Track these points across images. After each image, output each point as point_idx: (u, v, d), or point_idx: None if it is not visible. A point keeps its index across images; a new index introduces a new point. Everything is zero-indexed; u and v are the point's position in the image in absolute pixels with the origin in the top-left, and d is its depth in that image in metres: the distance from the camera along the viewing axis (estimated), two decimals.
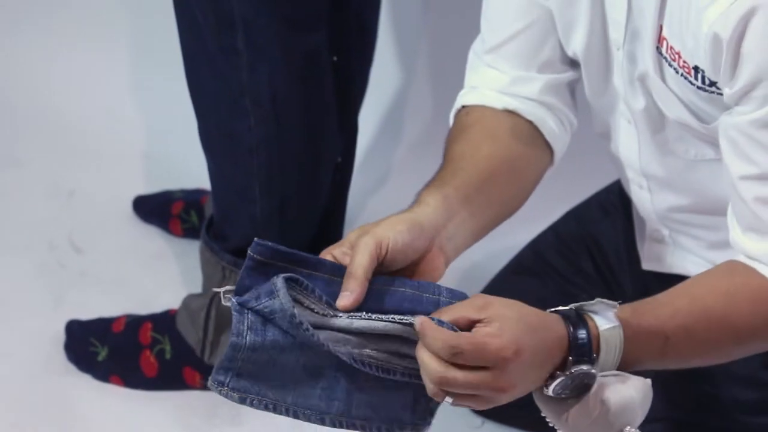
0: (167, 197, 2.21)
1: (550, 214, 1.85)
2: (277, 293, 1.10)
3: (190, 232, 2.15)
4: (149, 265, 2.12)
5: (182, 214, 2.17)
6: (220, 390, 1.12)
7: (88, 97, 2.44)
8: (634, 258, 1.64)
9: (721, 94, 1.23)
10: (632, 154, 1.47)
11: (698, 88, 1.27)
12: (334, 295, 1.13)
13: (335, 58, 1.79)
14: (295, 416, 1.13)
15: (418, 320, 1.11)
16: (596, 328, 1.14)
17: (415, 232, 1.19)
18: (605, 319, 1.15)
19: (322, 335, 1.11)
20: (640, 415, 1.15)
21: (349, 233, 1.20)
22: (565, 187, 1.85)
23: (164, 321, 1.90)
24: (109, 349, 1.89)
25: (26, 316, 1.99)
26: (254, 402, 1.13)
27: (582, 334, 1.13)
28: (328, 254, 1.18)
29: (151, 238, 2.18)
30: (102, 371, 1.89)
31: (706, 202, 1.30)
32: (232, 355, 1.11)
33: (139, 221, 2.21)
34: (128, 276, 2.09)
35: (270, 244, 1.13)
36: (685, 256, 1.53)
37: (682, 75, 1.27)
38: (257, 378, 1.12)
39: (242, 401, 1.12)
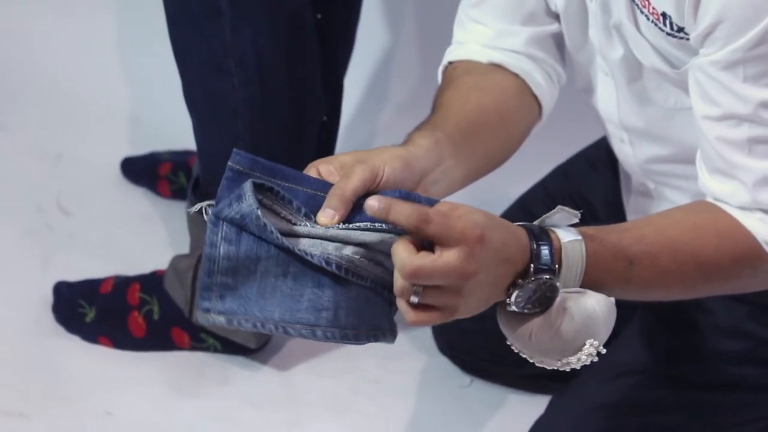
0: (155, 159, 2.21)
1: (540, 170, 1.86)
2: (245, 195, 1.08)
3: (178, 194, 2.15)
4: (137, 227, 2.12)
5: (170, 175, 2.17)
6: (207, 317, 1.09)
7: (75, 60, 2.43)
8: (620, 212, 1.65)
9: (689, 39, 1.25)
10: (611, 107, 1.48)
11: (668, 34, 1.28)
12: (315, 208, 1.12)
13: (319, 16, 1.79)
14: (285, 332, 1.10)
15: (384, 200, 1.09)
16: (558, 240, 1.15)
17: (407, 172, 1.20)
18: (568, 232, 1.16)
19: (294, 241, 1.09)
20: (604, 332, 1.15)
21: (341, 154, 1.19)
22: (555, 142, 1.85)
23: (152, 282, 1.90)
24: (97, 310, 1.89)
25: (14, 279, 1.99)
26: (242, 322, 1.09)
27: (544, 245, 1.13)
28: (314, 168, 1.17)
29: (139, 199, 2.18)
30: (90, 332, 1.89)
31: (687, 152, 1.31)
32: (209, 268, 1.09)
33: (127, 183, 2.21)
34: (116, 238, 2.10)
35: (250, 155, 1.11)
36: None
37: (652, 21, 1.28)
38: (240, 295, 1.09)
39: (229, 323, 1.09)
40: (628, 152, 1.52)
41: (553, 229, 1.16)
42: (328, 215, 1.11)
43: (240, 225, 1.09)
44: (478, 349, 1.84)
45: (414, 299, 1.08)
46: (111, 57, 2.46)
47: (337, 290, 1.11)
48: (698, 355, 1.56)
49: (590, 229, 1.18)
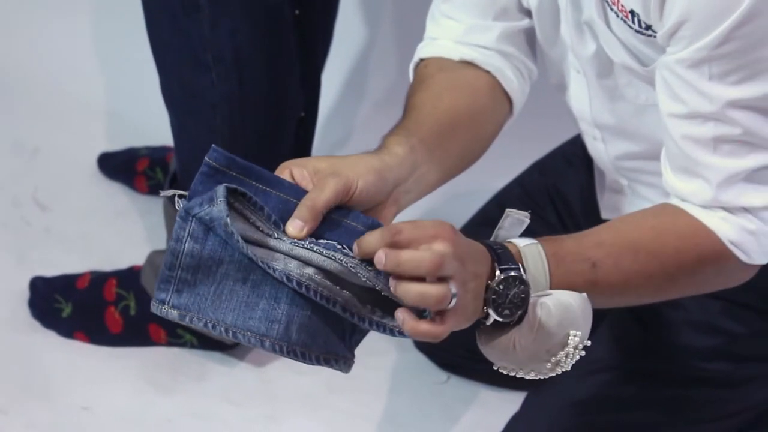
0: (132, 154, 2.20)
1: (517, 166, 1.86)
2: (216, 200, 1.08)
3: (155, 189, 2.15)
4: (114, 222, 2.12)
5: (147, 171, 2.16)
6: (161, 309, 1.10)
7: (52, 54, 2.43)
8: (595, 208, 1.66)
9: (657, 37, 1.25)
10: (583, 105, 1.48)
11: (636, 31, 1.28)
12: (285, 214, 1.12)
13: (297, 12, 1.79)
14: (234, 337, 1.10)
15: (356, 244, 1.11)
16: (514, 245, 1.17)
17: (380, 184, 1.20)
18: (522, 239, 1.18)
19: (259, 252, 1.09)
20: (583, 323, 1.15)
21: (315, 159, 1.19)
22: (532, 139, 1.86)
23: (129, 277, 1.90)
24: (74, 306, 1.89)
25: None
26: (194, 320, 1.10)
27: (501, 249, 1.15)
28: (286, 169, 1.17)
29: (116, 195, 2.18)
30: (66, 327, 1.89)
31: (658, 148, 1.32)
32: (171, 262, 1.09)
33: (103, 178, 2.21)
34: (93, 233, 2.09)
35: (227, 153, 1.12)
36: (642, 205, 1.55)
37: (621, 19, 1.29)
38: (197, 293, 1.10)
39: (182, 318, 1.10)
40: (600, 149, 1.52)
41: (508, 241, 1.18)
42: (297, 226, 1.11)
43: (208, 226, 1.09)
44: (454, 346, 1.84)
45: (453, 291, 1.08)
46: (89, 51, 2.45)
47: (293, 306, 1.11)
48: (672, 351, 1.57)
49: (546, 237, 1.20)
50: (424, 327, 1.10)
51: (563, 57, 1.46)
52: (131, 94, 2.35)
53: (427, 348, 1.91)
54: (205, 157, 1.12)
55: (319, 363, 1.13)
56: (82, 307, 1.89)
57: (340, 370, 1.17)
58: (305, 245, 1.11)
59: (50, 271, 1.94)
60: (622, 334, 1.60)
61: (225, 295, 1.11)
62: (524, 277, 1.14)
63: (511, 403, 1.70)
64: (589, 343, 1.16)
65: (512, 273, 1.13)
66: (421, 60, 1.46)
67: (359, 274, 1.10)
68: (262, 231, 1.11)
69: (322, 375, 1.89)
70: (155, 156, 2.17)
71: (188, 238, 1.10)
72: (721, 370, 1.55)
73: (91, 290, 1.90)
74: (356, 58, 2.50)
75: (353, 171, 1.16)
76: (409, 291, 1.08)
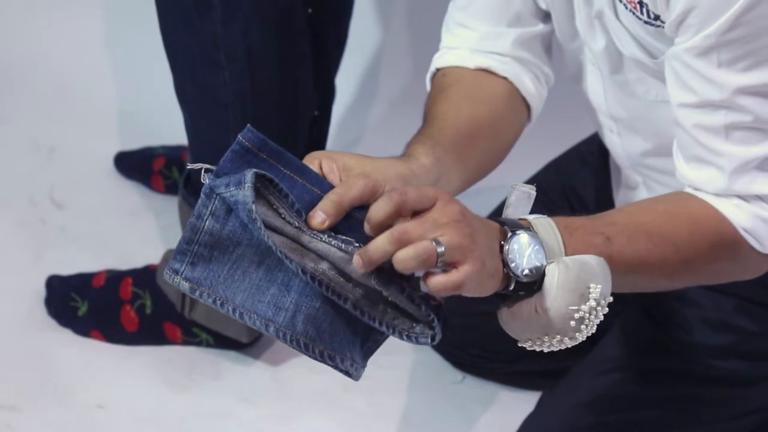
0: (149, 153, 2.21)
1: (533, 166, 1.86)
2: (244, 184, 1.08)
3: (171, 188, 2.15)
4: (130, 221, 2.13)
5: (164, 170, 2.17)
6: (174, 278, 1.11)
7: (67, 54, 2.44)
8: (610, 206, 1.65)
9: (664, 27, 1.25)
10: (599, 97, 1.49)
11: (645, 22, 1.29)
12: (309, 204, 1.12)
13: (310, 10, 1.79)
14: (241, 318, 1.11)
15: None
16: (525, 219, 1.15)
17: None
18: (531, 215, 1.16)
19: (278, 240, 1.09)
20: (603, 279, 1.13)
21: (347, 155, 1.19)
22: (548, 139, 1.86)
23: (145, 276, 1.90)
24: (90, 304, 1.89)
25: (6, 272, 1.99)
26: (203, 295, 1.11)
27: (508, 219, 1.14)
28: (315, 159, 1.17)
29: (132, 194, 2.19)
30: (82, 326, 1.89)
31: (670, 144, 1.32)
32: (190, 237, 1.10)
33: (120, 177, 2.21)
34: (109, 232, 2.10)
35: (261, 135, 1.12)
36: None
37: (630, 10, 1.29)
38: (211, 269, 1.11)
39: (192, 292, 1.11)
40: (617, 142, 1.53)
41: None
42: (319, 218, 1.11)
43: (231, 207, 1.10)
44: (468, 345, 1.84)
45: (440, 249, 1.06)
46: (104, 51, 2.46)
47: (302, 296, 1.12)
48: (686, 349, 1.56)
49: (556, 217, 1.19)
50: (440, 278, 1.07)
51: (581, 49, 1.47)
52: (147, 93, 2.36)
53: (441, 347, 1.91)
54: (239, 135, 1.12)
55: (323, 359, 1.13)
56: (98, 306, 1.89)
57: (347, 374, 1.16)
58: (323, 239, 1.10)
59: (66, 269, 1.95)
60: (635, 333, 1.60)
61: (238, 275, 1.11)
62: (538, 237, 1.12)
63: (526, 402, 1.70)
64: (611, 299, 1.13)
65: (520, 231, 1.12)
66: (438, 70, 1.46)
67: (372, 278, 1.10)
68: (283, 218, 1.11)
69: (337, 374, 1.87)
70: (171, 155, 2.18)
71: (210, 216, 1.10)
72: (735, 369, 1.54)
73: (107, 289, 1.90)
74: (370, 58, 2.50)
75: (382, 175, 1.16)
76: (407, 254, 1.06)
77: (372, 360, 1.87)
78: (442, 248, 1.06)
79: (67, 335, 1.89)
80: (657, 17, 1.27)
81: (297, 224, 1.11)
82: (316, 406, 1.84)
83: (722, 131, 1.23)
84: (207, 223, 1.10)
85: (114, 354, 1.88)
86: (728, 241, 1.25)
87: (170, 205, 2.10)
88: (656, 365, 1.57)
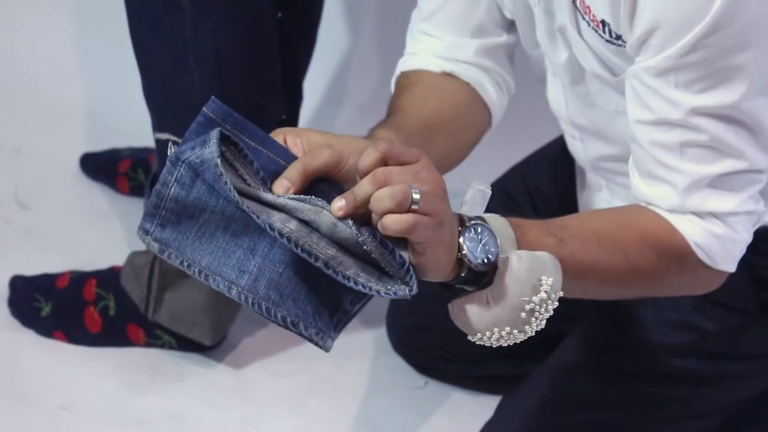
0: (114, 155, 2.20)
1: (498, 171, 1.87)
2: (209, 142, 1.09)
3: (136, 190, 2.15)
4: (95, 223, 2.12)
5: (129, 172, 2.17)
6: (144, 238, 1.12)
7: (34, 55, 2.43)
8: (573, 207, 1.68)
9: (626, 47, 1.27)
10: (560, 106, 1.51)
11: (607, 41, 1.31)
12: (273, 175, 1.12)
13: (280, 14, 1.80)
14: (206, 280, 1.11)
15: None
16: (479, 216, 1.16)
17: None
18: (486, 214, 1.17)
19: (245, 200, 1.09)
20: (554, 270, 1.14)
21: (311, 131, 1.19)
22: (513, 143, 1.87)
23: (109, 277, 1.90)
24: (53, 305, 1.89)
25: None
26: (171, 256, 1.11)
27: (465, 215, 1.15)
28: (280, 134, 1.18)
29: (98, 195, 2.18)
30: (46, 327, 1.89)
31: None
32: (156, 203, 1.11)
33: (85, 179, 2.21)
34: (74, 233, 2.09)
35: (225, 106, 1.12)
36: (619, 205, 1.57)
37: (593, 28, 1.31)
38: (179, 231, 1.11)
39: (161, 253, 1.11)
40: (579, 148, 1.55)
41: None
42: (283, 185, 1.12)
43: (197, 170, 1.10)
44: (429, 346, 1.85)
45: (416, 195, 1.07)
46: (71, 51, 2.45)
47: (266, 260, 1.12)
48: (644, 348, 1.57)
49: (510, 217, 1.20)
50: (396, 216, 1.07)
51: (543, 58, 1.49)
52: (114, 94, 2.36)
53: (403, 348, 1.91)
54: (204, 107, 1.12)
55: (285, 325, 1.12)
56: (62, 307, 1.89)
57: (313, 342, 1.14)
58: (289, 197, 1.11)
59: (30, 270, 1.94)
60: (593, 334, 1.61)
61: (205, 238, 1.12)
62: (492, 231, 1.14)
63: (487, 407, 1.70)
64: (562, 293, 1.15)
65: (478, 221, 1.13)
66: (402, 73, 1.48)
67: (340, 226, 1.10)
68: (248, 184, 1.11)
69: (300, 377, 1.90)
70: (138, 157, 2.17)
71: (175, 183, 1.10)
72: (693, 368, 1.55)
73: (71, 290, 1.90)
74: (339, 63, 2.51)
75: (346, 148, 1.17)
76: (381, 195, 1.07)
77: (335, 363, 1.89)
78: (418, 195, 1.07)
79: (30, 336, 1.89)
80: (619, 37, 1.28)
81: (263, 191, 1.11)
82: (279, 409, 1.84)
83: (677, 149, 1.25)
84: (172, 190, 1.10)
85: (77, 355, 1.87)
86: (677, 253, 1.27)
87: (135, 207, 2.10)
88: (614, 365, 1.59)
